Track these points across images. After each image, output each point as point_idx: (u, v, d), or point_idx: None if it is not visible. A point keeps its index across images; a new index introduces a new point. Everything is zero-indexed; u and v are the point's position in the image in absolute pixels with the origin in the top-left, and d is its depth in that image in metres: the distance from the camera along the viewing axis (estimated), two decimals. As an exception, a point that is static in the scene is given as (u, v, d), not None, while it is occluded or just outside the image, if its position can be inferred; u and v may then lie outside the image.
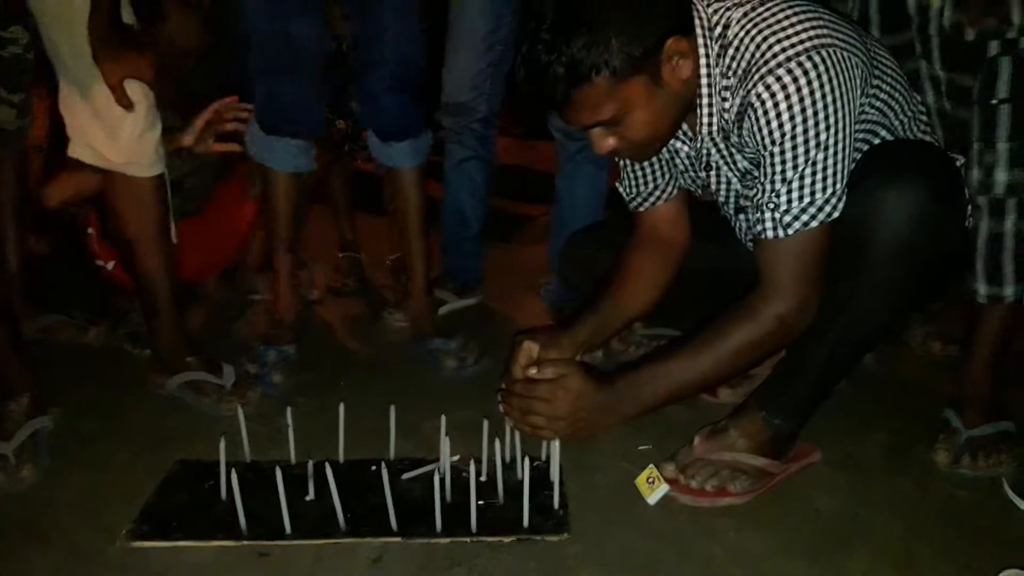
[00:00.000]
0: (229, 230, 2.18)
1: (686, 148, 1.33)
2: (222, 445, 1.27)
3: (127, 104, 1.38)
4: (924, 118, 1.32)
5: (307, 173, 1.81)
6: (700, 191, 1.41)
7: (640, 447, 1.44)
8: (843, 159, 1.14)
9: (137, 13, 1.41)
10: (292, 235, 1.83)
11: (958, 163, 1.33)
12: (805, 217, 1.15)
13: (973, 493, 1.32)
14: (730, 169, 1.30)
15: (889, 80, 1.23)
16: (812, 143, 1.12)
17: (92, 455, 1.43)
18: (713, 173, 1.33)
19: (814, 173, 1.14)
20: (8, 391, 1.38)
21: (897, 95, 1.25)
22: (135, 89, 1.39)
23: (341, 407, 1.37)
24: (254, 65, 1.69)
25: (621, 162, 1.42)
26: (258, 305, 2.18)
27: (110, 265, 2.01)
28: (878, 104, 1.22)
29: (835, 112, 1.12)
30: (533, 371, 1.31)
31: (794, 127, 1.12)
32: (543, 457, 1.35)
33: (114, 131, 1.42)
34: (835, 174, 1.14)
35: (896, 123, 1.26)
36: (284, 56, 1.65)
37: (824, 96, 1.11)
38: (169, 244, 1.57)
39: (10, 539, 1.21)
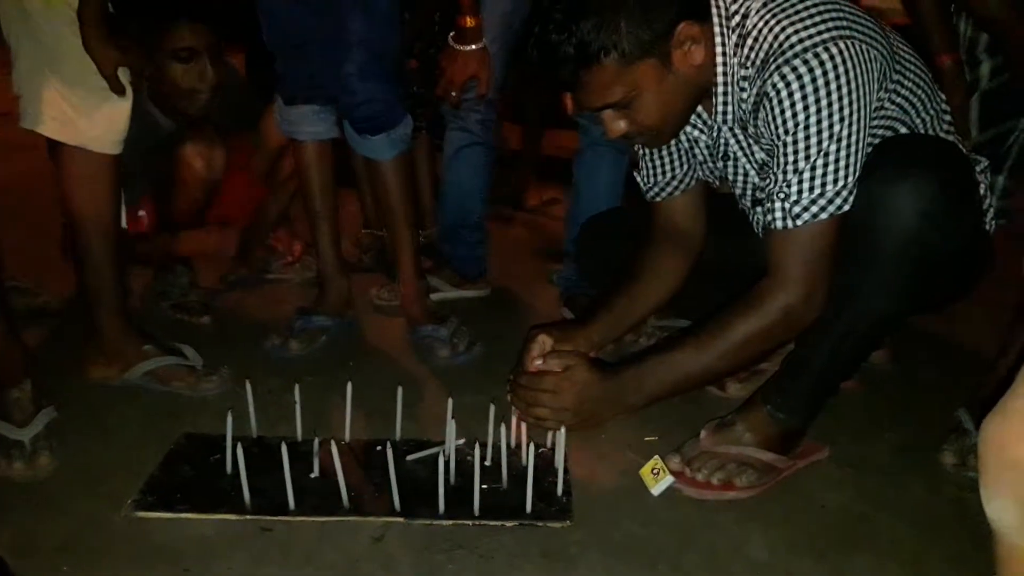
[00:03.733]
0: (231, 205, 2.16)
1: (704, 137, 1.32)
2: (229, 419, 1.27)
3: (120, 91, 1.40)
4: (948, 117, 1.30)
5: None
6: (718, 183, 1.40)
7: (646, 438, 1.44)
8: (856, 152, 1.13)
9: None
10: (328, 207, 1.81)
11: (980, 165, 1.31)
12: (815, 208, 1.14)
13: (982, 497, 1.30)
14: (748, 160, 1.29)
15: (911, 76, 1.22)
16: (825, 134, 1.11)
17: (99, 425, 1.44)
18: (731, 164, 1.32)
19: (826, 164, 1.13)
20: (8, 378, 1.35)
21: (920, 92, 1.23)
22: (122, 75, 1.40)
23: (349, 386, 1.37)
24: (267, 41, 1.72)
25: (640, 151, 1.41)
26: (273, 284, 2.19)
27: (141, 212, 1.99)
28: (898, 100, 1.21)
29: (850, 104, 1.11)
30: (540, 362, 1.31)
31: (807, 117, 1.11)
32: (548, 444, 1.35)
33: (90, 108, 1.41)
34: (847, 167, 1.13)
35: (918, 120, 1.24)
36: (287, 31, 1.67)
37: (840, 87, 1.10)
38: (118, 229, 1.55)
39: (17, 506, 1.22)
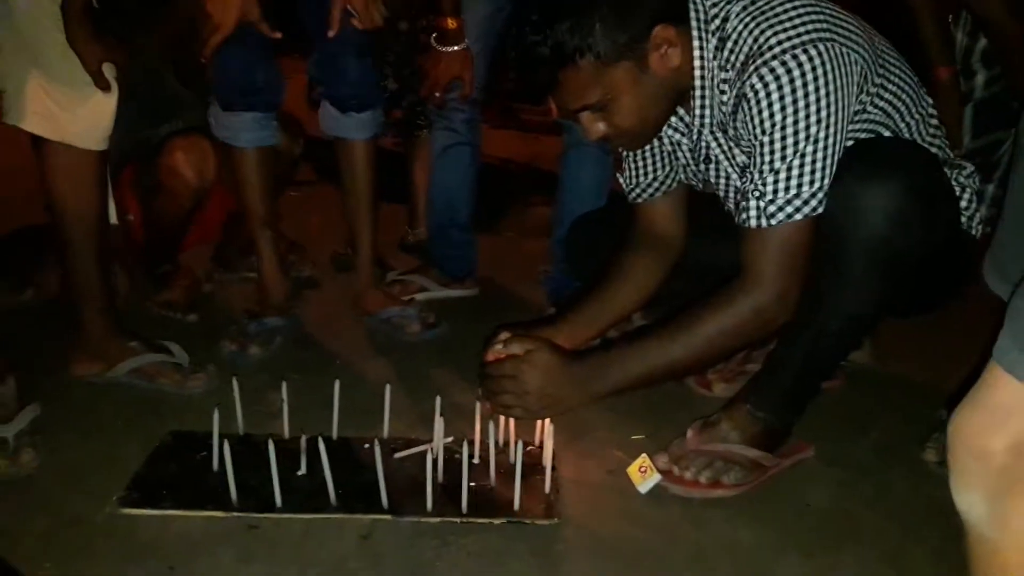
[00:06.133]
0: (215, 206, 2.16)
1: (686, 140, 1.32)
2: (215, 416, 1.26)
3: (106, 87, 1.40)
4: (934, 122, 1.31)
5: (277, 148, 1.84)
6: (701, 185, 1.41)
7: (633, 436, 1.44)
8: (833, 154, 1.14)
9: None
10: (268, 211, 1.81)
11: (966, 171, 1.32)
12: (789, 209, 1.15)
13: (965, 495, 1.32)
14: (729, 163, 1.29)
15: (896, 80, 1.22)
16: (802, 135, 1.12)
17: (84, 423, 1.43)
18: (713, 167, 1.33)
19: (802, 165, 1.13)
20: None
21: (904, 96, 1.24)
22: (107, 71, 1.40)
23: (336, 384, 1.36)
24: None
25: (624, 152, 1.42)
26: (249, 284, 2.18)
27: (129, 216, 1.98)
28: (882, 104, 1.21)
29: (828, 106, 1.12)
30: (500, 347, 1.30)
31: (784, 118, 1.12)
32: (536, 442, 1.35)
33: (74, 104, 1.40)
34: (823, 168, 1.14)
35: (902, 124, 1.25)
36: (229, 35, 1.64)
37: (818, 89, 1.11)
38: (106, 226, 1.54)
39: (-1, 503, 1.21)
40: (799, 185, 1.14)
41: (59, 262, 1.62)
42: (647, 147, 1.37)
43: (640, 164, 1.41)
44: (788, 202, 1.15)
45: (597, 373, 1.25)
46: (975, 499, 0.71)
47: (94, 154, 1.46)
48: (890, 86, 1.22)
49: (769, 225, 1.16)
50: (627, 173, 1.43)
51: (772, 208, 1.15)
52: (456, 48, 1.82)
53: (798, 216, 1.15)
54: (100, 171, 1.49)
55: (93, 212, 1.50)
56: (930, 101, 1.31)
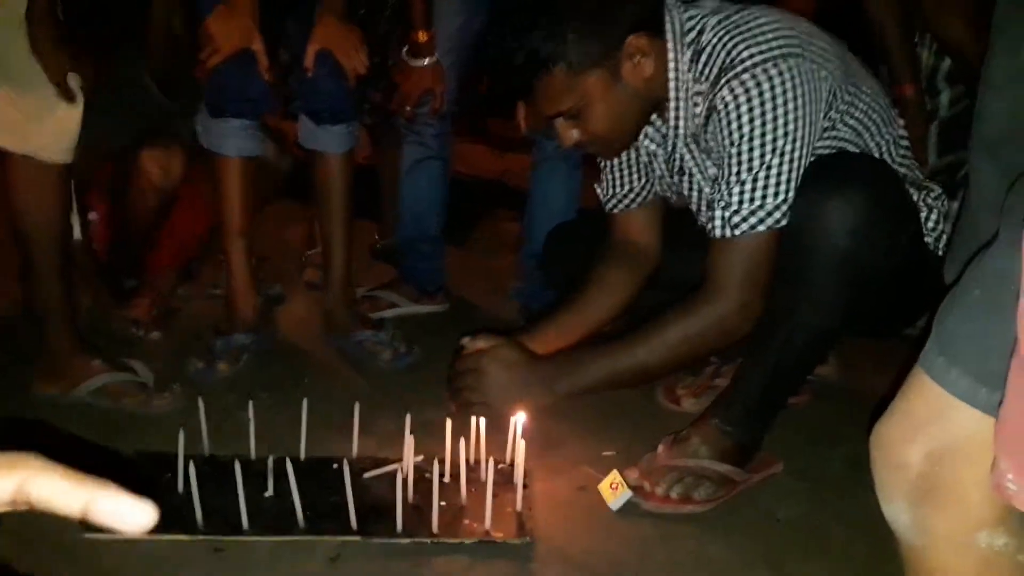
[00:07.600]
0: (189, 223, 2.13)
1: (661, 152, 1.34)
2: (181, 437, 1.24)
3: (70, 97, 1.38)
4: (905, 143, 1.33)
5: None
6: (675, 197, 1.42)
7: (604, 453, 1.44)
8: (798, 168, 1.16)
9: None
10: (245, 224, 1.78)
11: (935, 192, 1.34)
12: (753, 220, 1.16)
13: (931, 508, 1.33)
14: (702, 176, 1.30)
15: (866, 99, 1.25)
16: (769, 147, 1.14)
17: (46, 443, 1.39)
18: (686, 179, 1.34)
19: (767, 177, 1.15)
20: None
21: (874, 115, 1.26)
22: (72, 81, 1.38)
23: (304, 403, 1.35)
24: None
25: (602, 163, 1.43)
26: (216, 300, 2.15)
27: (92, 215, 1.96)
28: (851, 122, 1.23)
29: (795, 120, 1.14)
30: (467, 341, 1.32)
31: (752, 129, 1.14)
32: (507, 459, 1.35)
33: (40, 115, 1.38)
34: (788, 182, 1.15)
35: (871, 144, 1.27)
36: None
37: (786, 103, 1.13)
38: (69, 241, 1.53)
39: (-44, 527, 1.17)
40: (763, 197, 1.15)
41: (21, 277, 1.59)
42: (624, 158, 1.39)
43: (617, 175, 1.42)
44: (752, 213, 1.16)
45: (561, 371, 1.26)
46: (898, 508, 0.73)
47: (59, 167, 1.44)
48: (860, 104, 1.24)
49: (733, 235, 1.17)
50: (604, 183, 1.45)
51: (736, 219, 1.17)
52: (427, 61, 1.82)
53: (761, 228, 1.16)
54: (64, 184, 1.47)
55: (56, 226, 1.47)
56: (901, 123, 1.34)
